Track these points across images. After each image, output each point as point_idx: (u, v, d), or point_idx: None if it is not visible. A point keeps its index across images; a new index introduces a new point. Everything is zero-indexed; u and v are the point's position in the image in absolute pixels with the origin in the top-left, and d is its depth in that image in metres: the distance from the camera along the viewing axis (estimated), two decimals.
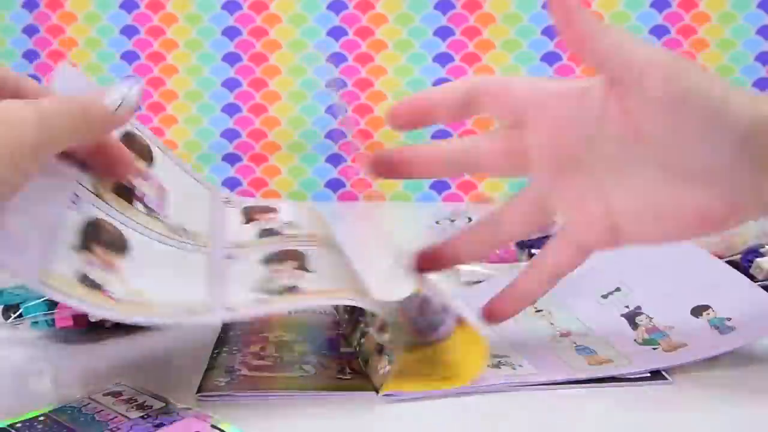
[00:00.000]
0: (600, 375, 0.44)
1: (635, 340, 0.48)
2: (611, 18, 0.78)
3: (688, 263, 0.53)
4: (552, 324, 0.51)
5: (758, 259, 0.55)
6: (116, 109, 0.39)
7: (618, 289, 0.53)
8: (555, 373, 0.44)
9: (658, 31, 0.77)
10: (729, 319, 0.48)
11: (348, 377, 0.44)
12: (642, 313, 0.50)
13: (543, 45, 0.78)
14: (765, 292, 0.50)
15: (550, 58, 0.78)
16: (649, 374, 0.44)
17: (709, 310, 0.49)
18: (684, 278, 0.52)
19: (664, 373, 0.44)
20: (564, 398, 0.42)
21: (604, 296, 0.53)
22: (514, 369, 0.45)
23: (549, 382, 0.43)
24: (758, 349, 0.48)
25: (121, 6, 0.80)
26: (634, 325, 0.50)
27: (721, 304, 0.49)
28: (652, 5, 0.78)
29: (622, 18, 0.78)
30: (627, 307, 0.51)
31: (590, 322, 0.51)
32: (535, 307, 0.51)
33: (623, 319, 0.51)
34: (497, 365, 0.45)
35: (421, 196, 0.78)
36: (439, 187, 0.77)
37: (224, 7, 0.79)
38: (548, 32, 0.78)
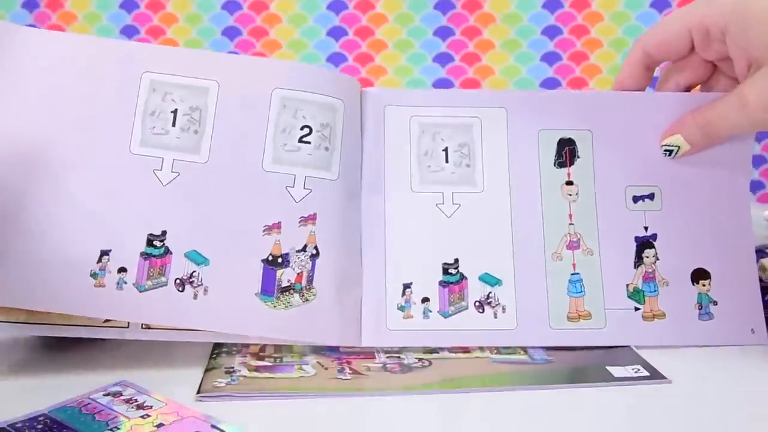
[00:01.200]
0: (566, 342, 0.48)
1: (627, 286, 0.50)
2: (611, 18, 0.78)
3: (732, 210, 0.51)
4: (571, 225, 0.51)
5: (763, 260, 0.55)
6: None
7: (651, 197, 0.51)
8: (530, 328, 0.49)
9: None
10: (715, 303, 0.49)
11: (348, 377, 0.44)
12: (653, 247, 0.50)
13: (543, 45, 0.78)
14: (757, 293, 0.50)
15: (550, 58, 0.78)
16: (648, 374, 0.44)
17: (707, 282, 0.50)
18: (714, 222, 0.51)
19: (663, 373, 0.44)
20: (563, 397, 0.42)
21: (635, 199, 0.51)
22: (495, 317, 0.49)
23: (514, 345, 0.48)
24: (757, 349, 0.48)
25: (121, 6, 0.80)
26: (638, 259, 0.50)
27: (722, 275, 0.50)
28: (652, 5, 0.78)
29: (622, 18, 0.78)
30: (646, 228, 0.51)
31: (605, 235, 0.51)
32: (570, 181, 0.52)
33: (634, 243, 0.51)
34: (481, 305, 0.49)
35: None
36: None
37: (224, 7, 0.79)
38: (548, 32, 0.78)
